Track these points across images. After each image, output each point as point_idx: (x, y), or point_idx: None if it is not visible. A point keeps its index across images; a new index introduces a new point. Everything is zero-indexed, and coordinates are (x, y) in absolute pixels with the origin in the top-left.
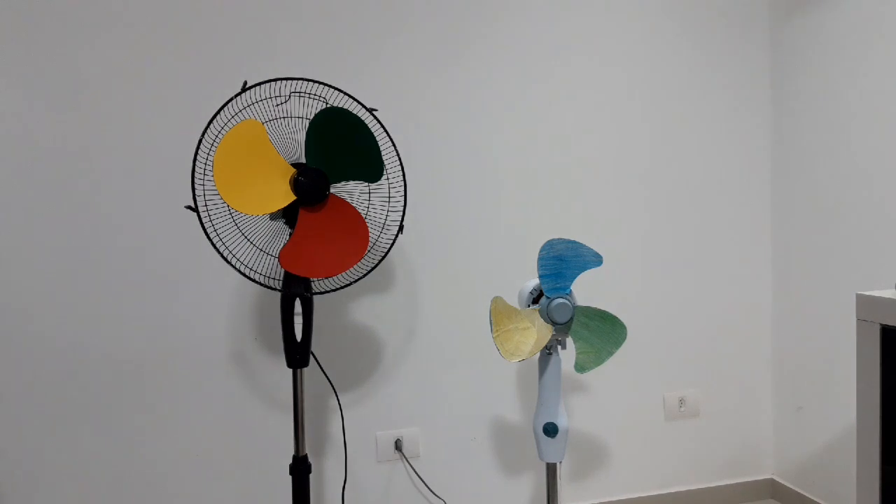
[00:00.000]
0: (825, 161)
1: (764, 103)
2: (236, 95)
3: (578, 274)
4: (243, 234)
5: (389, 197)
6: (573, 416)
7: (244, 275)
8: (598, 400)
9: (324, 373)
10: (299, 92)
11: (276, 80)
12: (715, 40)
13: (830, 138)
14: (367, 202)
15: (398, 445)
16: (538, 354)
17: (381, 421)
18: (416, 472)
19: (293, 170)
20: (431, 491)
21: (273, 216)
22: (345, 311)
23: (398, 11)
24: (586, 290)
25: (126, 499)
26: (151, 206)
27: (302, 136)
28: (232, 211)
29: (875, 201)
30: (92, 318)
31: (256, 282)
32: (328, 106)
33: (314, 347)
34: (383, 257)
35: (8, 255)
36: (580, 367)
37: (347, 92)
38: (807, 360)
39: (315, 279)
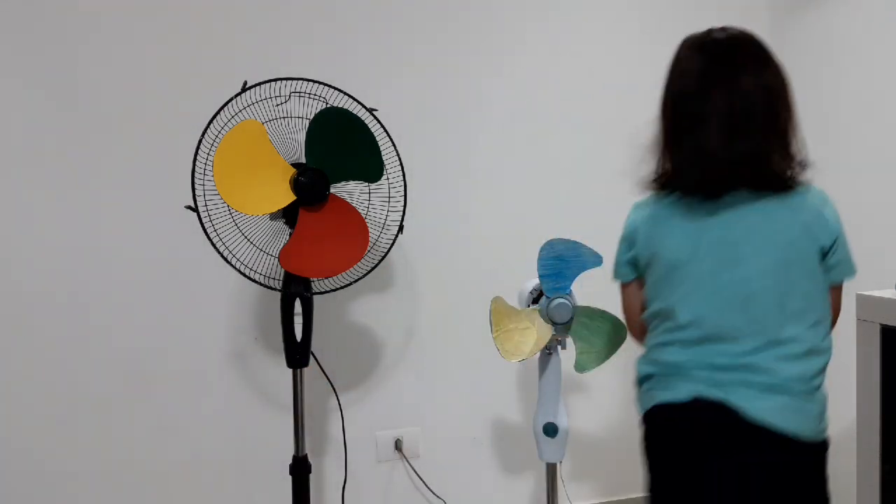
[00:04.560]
0: (825, 161)
1: None
2: (236, 95)
3: (578, 274)
4: (243, 234)
5: (389, 197)
6: (573, 416)
7: (244, 275)
8: (598, 400)
9: (324, 373)
10: (299, 92)
11: (276, 80)
12: None
13: (830, 138)
14: (367, 202)
15: (398, 445)
16: (538, 354)
17: (381, 421)
18: (416, 472)
19: (293, 170)
20: (431, 491)
21: (273, 216)
22: (345, 311)
23: (398, 11)
24: (586, 290)
25: (126, 499)
26: (151, 206)
27: (302, 136)
28: (232, 211)
29: (875, 201)
30: (91, 318)
31: (256, 282)
32: (328, 106)
33: (314, 347)
34: (383, 257)
35: (8, 255)
36: (580, 367)
37: (347, 92)
38: None
39: (315, 279)
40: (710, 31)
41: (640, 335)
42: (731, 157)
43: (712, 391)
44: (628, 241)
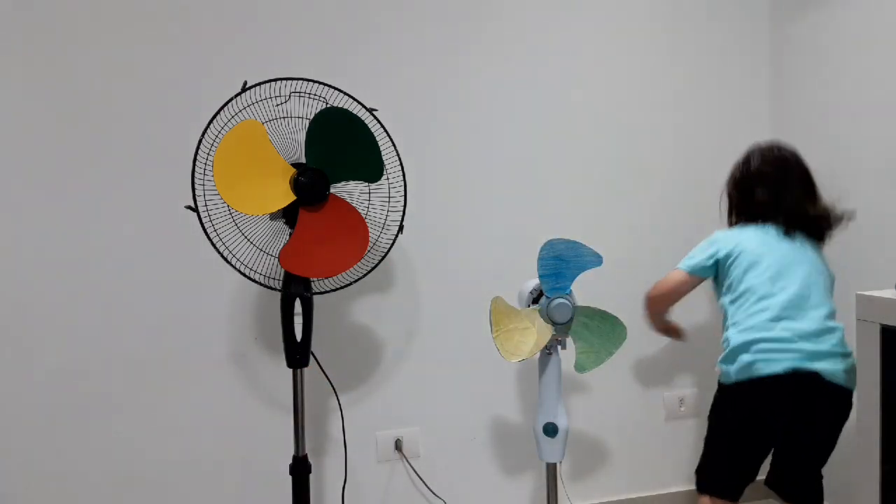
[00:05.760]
0: (825, 161)
1: (763, 103)
2: (236, 95)
3: (578, 274)
4: (243, 234)
5: (389, 197)
6: (573, 416)
7: (244, 275)
8: (598, 400)
9: (324, 373)
10: (299, 92)
11: (276, 80)
12: (715, 39)
13: (830, 138)
14: (367, 202)
15: (398, 445)
16: (538, 354)
17: (381, 421)
18: (416, 472)
19: (293, 170)
20: (431, 491)
21: (273, 216)
22: (345, 311)
23: (398, 12)
24: (586, 289)
25: (126, 499)
26: (151, 206)
27: (302, 136)
28: (232, 211)
29: (875, 201)
30: (92, 318)
31: (256, 282)
32: (328, 106)
33: (314, 347)
34: (383, 257)
35: (8, 255)
36: (580, 367)
37: (347, 92)
38: None
39: (315, 279)
40: (771, 146)
41: (664, 307)
42: (799, 213)
43: (804, 363)
44: (714, 245)
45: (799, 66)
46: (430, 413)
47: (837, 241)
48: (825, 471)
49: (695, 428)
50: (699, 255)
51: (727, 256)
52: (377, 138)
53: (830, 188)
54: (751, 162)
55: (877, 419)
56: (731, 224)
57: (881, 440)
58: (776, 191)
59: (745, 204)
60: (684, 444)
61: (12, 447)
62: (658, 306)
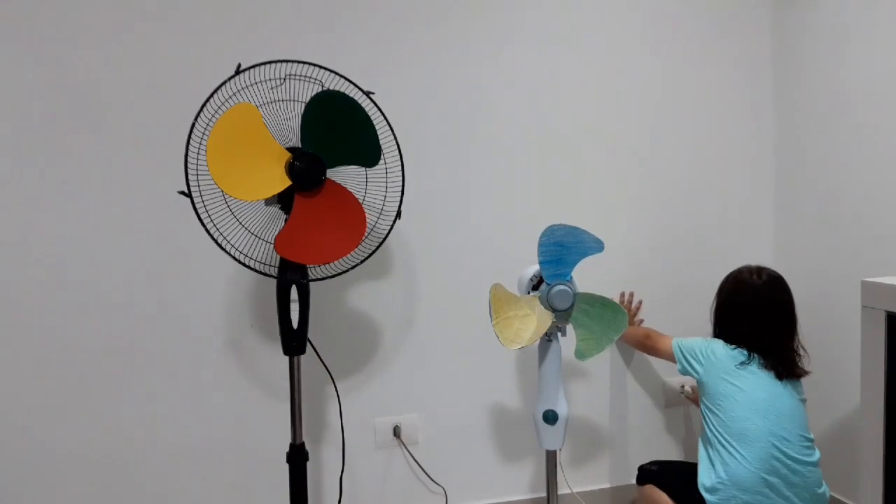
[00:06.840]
0: (829, 150)
1: (766, 95)
2: (230, 78)
3: (579, 260)
4: (238, 220)
5: (387, 182)
6: (573, 403)
7: (239, 261)
8: (598, 387)
9: (321, 360)
10: (295, 75)
11: (270, 62)
12: (716, 31)
13: (834, 128)
14: (365, 187)
15: (396, 432)
16: (538, 342)
17: (380, 408)
18: (414, 458)
19: (288, 154)
20: (430, 478)
21: (268, 201)
22: (342, 298)
23: None
24: (587, 276)
25: (122, 487)
26: (144, 192)
27: (297, 120)
28: (226, 196)
29: (879, 189)
30: (86, 306)
31: (252, 268)
32: (324, 89)
33: (311, 334)
34: (381, 243)
35: (3, 245)
36: (580, 354)
37: (344, 75)
38: (810, 349)
39: (311, 266)
40: (751, 273)
41: (641, 349)
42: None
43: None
44: (700, 361)
45: (800, 53)
46: (429, 400)
47: (843, 228)
48: (827, 457)
49: (695, 415)
50: (690, 356)
51: (702, 373)
52: (374, 122)
53: (837, 176)
54: (731, 287)
55: (881, 406)
56: (714, 332)
57: (885, 428)
58: (753, 325)
59: (726, 329)
60: (685, 431)
61: (8, 436)
62: (633, 346)
